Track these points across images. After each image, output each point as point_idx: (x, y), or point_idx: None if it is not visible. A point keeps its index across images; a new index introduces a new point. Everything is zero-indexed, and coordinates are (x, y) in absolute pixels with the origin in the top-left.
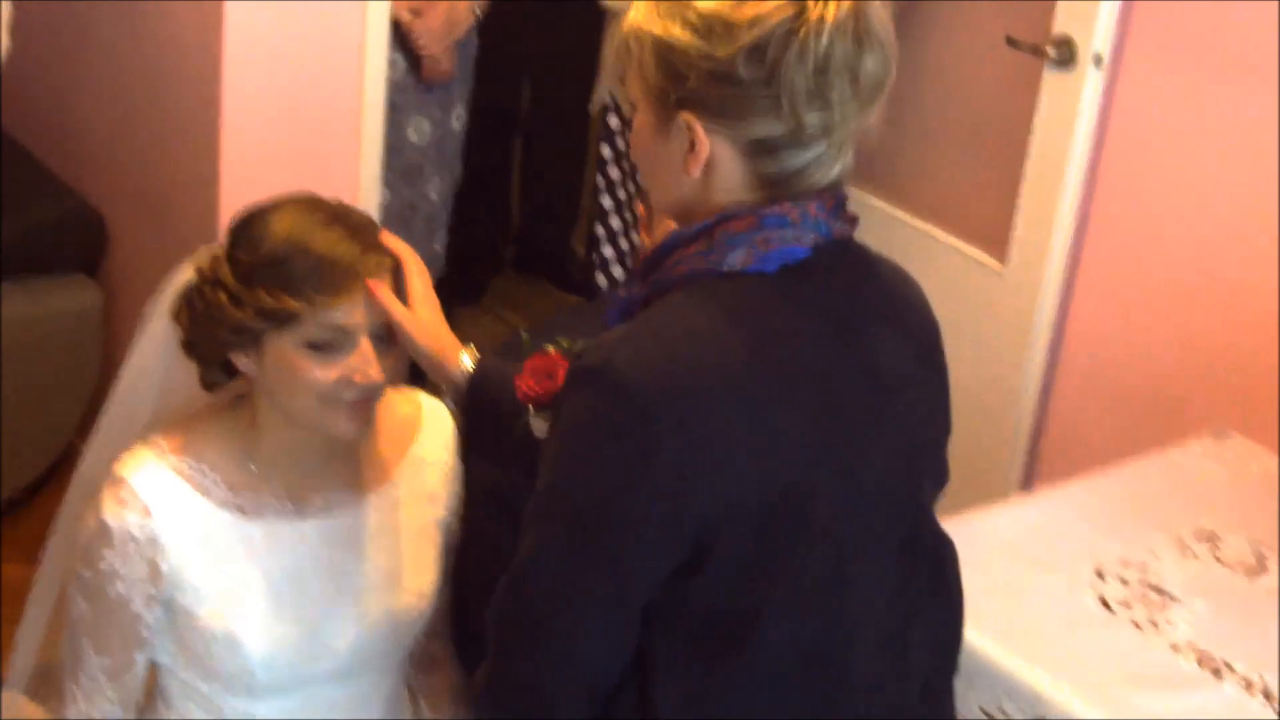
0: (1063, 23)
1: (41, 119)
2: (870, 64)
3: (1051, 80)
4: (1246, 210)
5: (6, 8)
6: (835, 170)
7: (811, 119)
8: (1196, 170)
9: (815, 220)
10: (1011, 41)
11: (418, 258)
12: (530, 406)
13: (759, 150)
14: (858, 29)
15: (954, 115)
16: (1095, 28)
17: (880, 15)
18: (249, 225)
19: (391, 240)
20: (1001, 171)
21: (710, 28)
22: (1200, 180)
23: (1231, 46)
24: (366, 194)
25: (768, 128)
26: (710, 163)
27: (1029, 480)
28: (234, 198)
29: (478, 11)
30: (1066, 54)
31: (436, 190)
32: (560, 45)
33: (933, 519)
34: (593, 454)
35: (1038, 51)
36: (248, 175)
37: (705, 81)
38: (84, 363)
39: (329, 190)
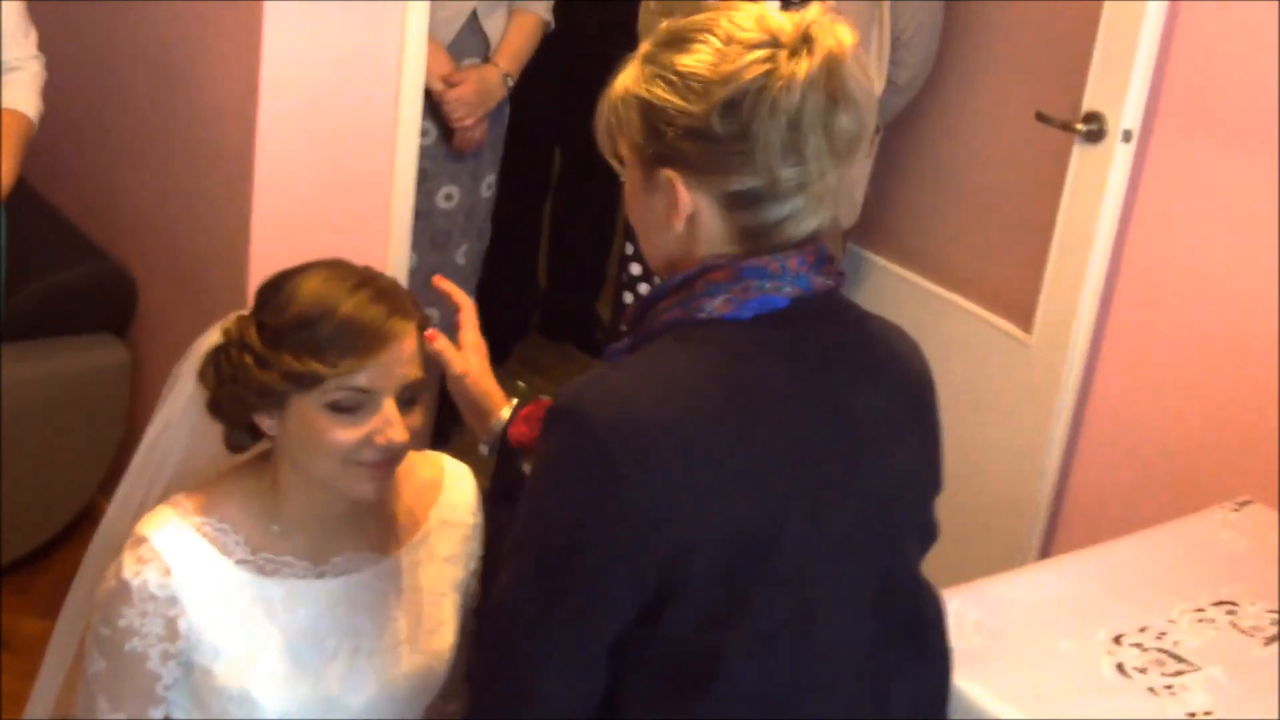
0: (1093, 99)
1: (76, 181)
2: (844, 120)
3: (1080, 155)
4: (1271, 285)
5: (39, 72)
6: (814, 222)
7: (786, 173)
8: (1222, 245)
9: (795, 273)
10: (1041, 117)
11: (472, 306)
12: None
13: (738, 203)
14: (830, 85)
15: (984, 188)
16: (1125, 104)
17: (854, 72)
18: (276, 289)
19: (448, 286)
20: (1029, 244)
21: (688, 86)
22: (1225, 255)
23: (1259, 123)
24: (395, 259)
25: (744, 182)
26: (693, 217)
27: (1048, 548)
28: (264, 262)
29: (510, 82)
30: (1096, 129)
31: (465, 255)
32: (591, 115)
33: (914, 573)
34: (560, 490)
35: (1067, 127)
36: (278, 240)
37: (684, 138)
38: (109, 421)
39: (358, 255)
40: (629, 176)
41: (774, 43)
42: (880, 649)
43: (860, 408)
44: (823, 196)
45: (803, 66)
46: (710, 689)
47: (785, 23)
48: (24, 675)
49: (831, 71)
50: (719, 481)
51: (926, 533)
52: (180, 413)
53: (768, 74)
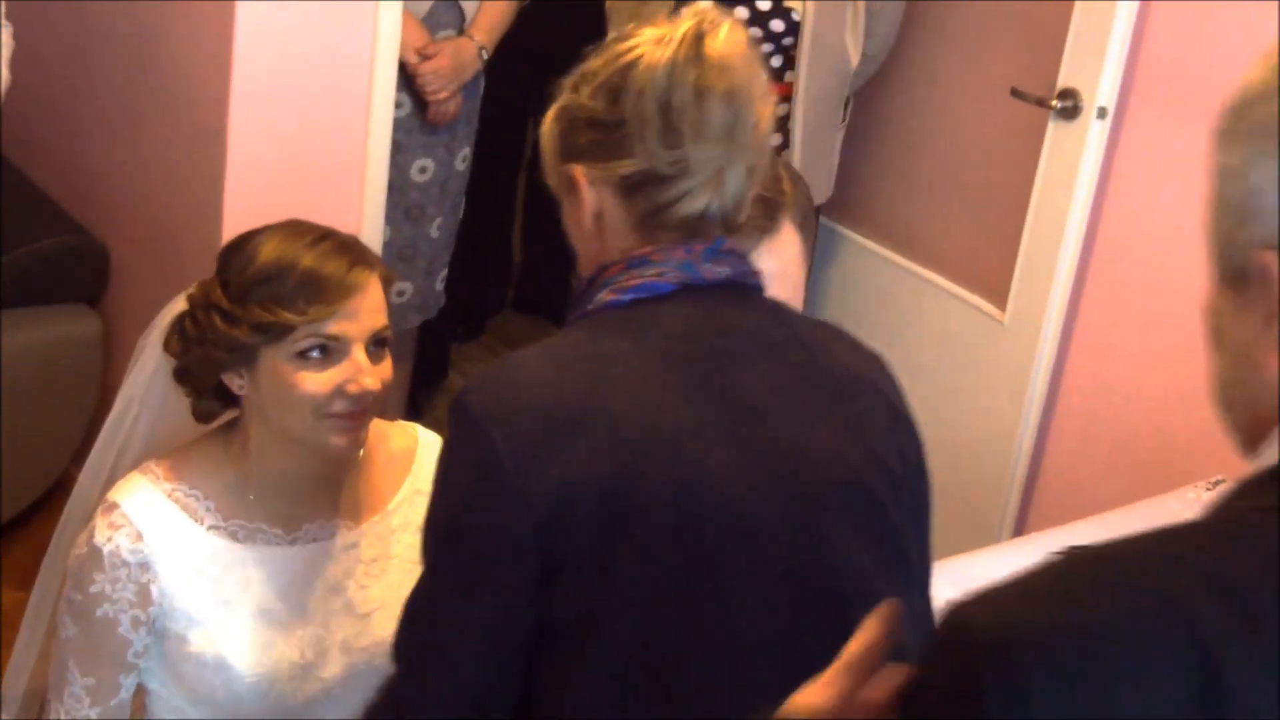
0: (1068, 75)
1: (48, 152)
2: (715, 102)
3: (1055, 131)
4: None
5: (7, 41)
6: (702, 204)
7: (664, 155)
8: (1196, 222)
9: (681, 261)
10: (1016, 93)
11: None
12: None
13: (631, 189)
14: (699, 71)
15: (958, 164)
16: (1100, 80)
17: (731, 57)
18: (237, 249)
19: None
20: (1004, 220)
21: (583, 77)
22: (1199, 232)
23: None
24: (370, 232)
25: (629, 166)
26: (599, 214)
27: (1021, 526)
28: (237, 233)
29: (485, 55)
30: (1071, 106)
31: (439, 228)
32: None
33: (851, 567)
34: (447, 474)
35: (1042, 103)
36: (252, 211)
37: (580, 129)
38: (82, 392)
39: (332, 226)
40: (557, 189)
41: (656, 36)
42: (792, 636)
43: (747, 385)
44: (715, 179)
45: (667, 53)
46: (587, 653)
47: (679, 21)
48: (1, 645)
49: (698, 57)
50: (584, 451)
51: (886, 544)
52: (146, 384)
53: (637, 59)
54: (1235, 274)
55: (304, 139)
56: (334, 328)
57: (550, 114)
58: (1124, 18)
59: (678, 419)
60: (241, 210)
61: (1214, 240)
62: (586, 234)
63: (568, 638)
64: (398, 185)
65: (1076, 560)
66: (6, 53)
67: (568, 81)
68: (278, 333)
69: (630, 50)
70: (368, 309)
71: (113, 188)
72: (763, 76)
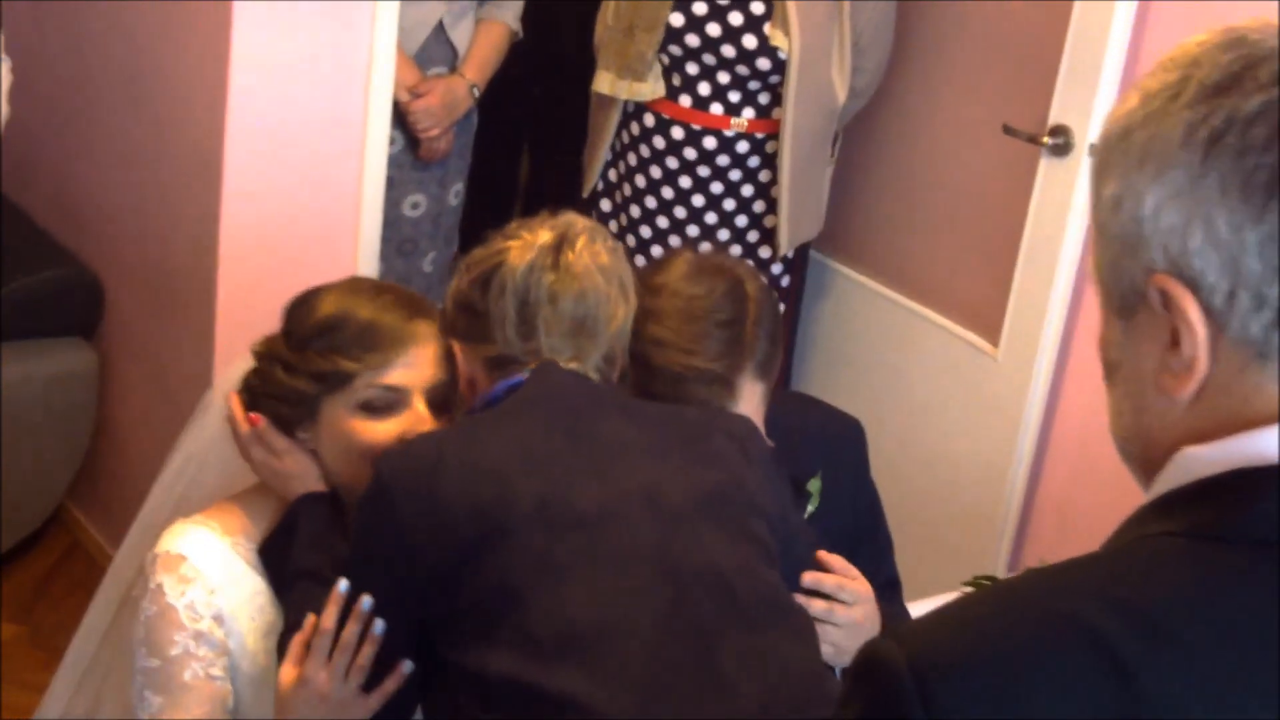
0: (1059, 112)
1: (44, 185)
2: (567, 304)
3: (1047, 168)
4: None
5: (6, 75)
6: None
7: (519, 344)
8: None
9: (529, 366)
10: (1009, 129)
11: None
12: None
13: (492, 366)
14: (554, 276)
15: (951, 200)
16: (1091, 118)
17: (586, 265)
18: (300, 304)
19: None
20: (996, 257)
21: (468, 264)
22: None
23: None
24: (365, 266)
25: (492, 350)
26: (472, 379)
27: (1016, 561)
28: (233, 267)
29: (477, 93)
30: (1063, 142)
31: (432, 263)
32: (557, 122)
33: (717, 560)
34: (355, 516)
35: (1034, 140)
36: (247, 244)
37: (459, 311)
38: (77, 425)
39: (327, 260)
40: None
41: (525, 241)
42: (681, 615)
43: (607, 431)
44: (573, 363)
45: (528, 258)
46: (490, 632)
47: (545, 229)
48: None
49: (554, 265)
50: (457, 484)
51: (756, 540)
52: (210, 441)
53: (504, 261)
54: (1125, 302)
55: (299, 174)
56: (393, 378)
57: (450, 288)
58: (1115, 54)
59: (542, 455)
60: (237, 244)
61: (1102, 271)
62: (464, 389)
63: (471, 620)
64: (390, 220)
65: (982, 592)
66: (5, 86)
67: (461, 264)
68: (337, 382)
69: (503, 251)
70: (428, 361)
71: (108, 221)
72: (622, 275)
